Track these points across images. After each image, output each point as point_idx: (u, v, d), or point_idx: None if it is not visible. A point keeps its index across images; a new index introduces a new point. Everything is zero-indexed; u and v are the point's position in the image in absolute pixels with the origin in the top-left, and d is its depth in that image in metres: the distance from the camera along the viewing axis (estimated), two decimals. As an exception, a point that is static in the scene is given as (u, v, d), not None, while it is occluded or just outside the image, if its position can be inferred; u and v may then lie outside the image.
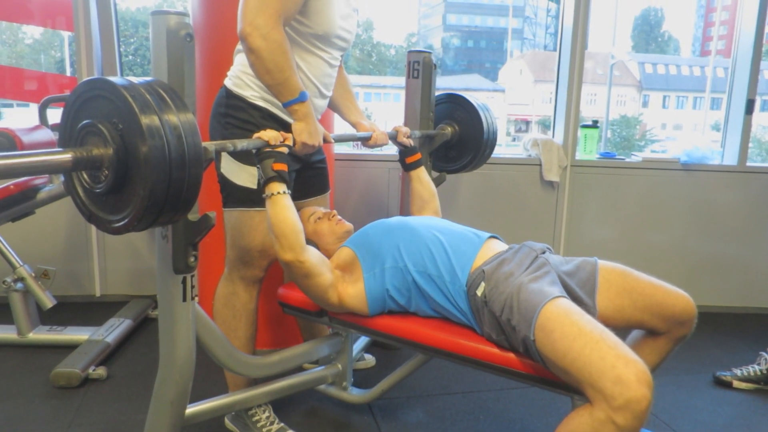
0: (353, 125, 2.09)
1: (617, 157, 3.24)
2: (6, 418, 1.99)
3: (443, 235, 1.66)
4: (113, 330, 2.54)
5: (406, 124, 2.48)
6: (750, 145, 3.19)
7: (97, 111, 1.11)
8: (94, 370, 2.25)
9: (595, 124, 3.19)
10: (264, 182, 1.56)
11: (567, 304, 1.38)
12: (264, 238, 1.81)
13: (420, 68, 2.37)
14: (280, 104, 1.77)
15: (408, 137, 2.10)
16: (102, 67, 3.01)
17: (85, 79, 1.14)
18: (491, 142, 2.42)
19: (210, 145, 1.36)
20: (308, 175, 2.00)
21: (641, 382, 1.18)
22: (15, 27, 4.39)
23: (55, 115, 2.48)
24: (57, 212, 2.93)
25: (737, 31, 3.24)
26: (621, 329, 1.48)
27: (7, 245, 2.44)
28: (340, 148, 2.29)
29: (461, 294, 1.57)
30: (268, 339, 2.47)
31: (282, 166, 1.56)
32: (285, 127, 1.80)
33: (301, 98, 1.63)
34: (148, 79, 1.15)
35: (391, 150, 3.27)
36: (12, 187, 2.33)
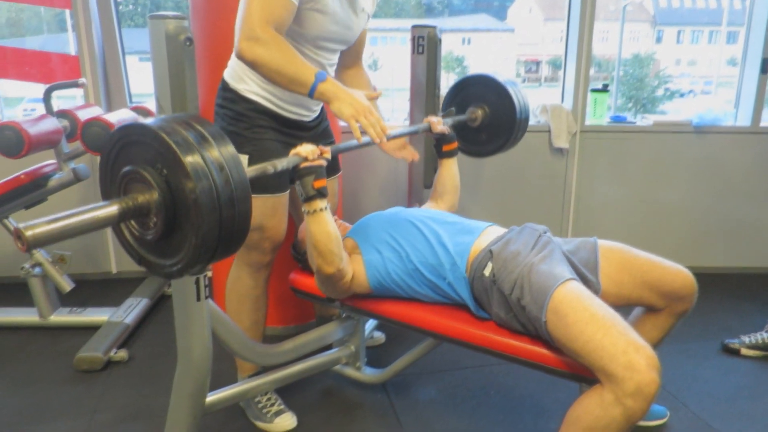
0: None
1: (628, 120, 3.18)
2: (31, 404, 2.07)
3: (441, 227, 1.68)
4: (131, 310, 2.60)
5: (411, 100, 2.44)
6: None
7: (136, 156, 1.07)
8: (115, 353, 2.32)
9: (605, 88, 3.12)
10: (305, 199, 1.55)
11: (578, 287, 1.41)
12: (260, 218, 1.77)
13: (425, 43, 2.31)
14: (272, 98, 1.77)
15: (442, 125, 2.00)
16: (103, 44, 2.97)
17: (119, 126, 1.10)
18: (524, 123, 2.26)
19: (249, 171, 1.31)
20: None
21: (651, 367, 1.23)
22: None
23: (59, 101, 2.46)
24: (69, 196, 2.95)
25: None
26: (622, 306, 1.51)
27: (22, 232, 2.47)
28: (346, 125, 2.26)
29: (461, 281, 1.60)
30: (281, 317, 2.53)
31: (322, 182, 1.54)
32: (277, 120, 1.79)
33: (319, 79, 1.54)
34: (180, 114, 1.10)
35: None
36: (23, 176, 2.35)
